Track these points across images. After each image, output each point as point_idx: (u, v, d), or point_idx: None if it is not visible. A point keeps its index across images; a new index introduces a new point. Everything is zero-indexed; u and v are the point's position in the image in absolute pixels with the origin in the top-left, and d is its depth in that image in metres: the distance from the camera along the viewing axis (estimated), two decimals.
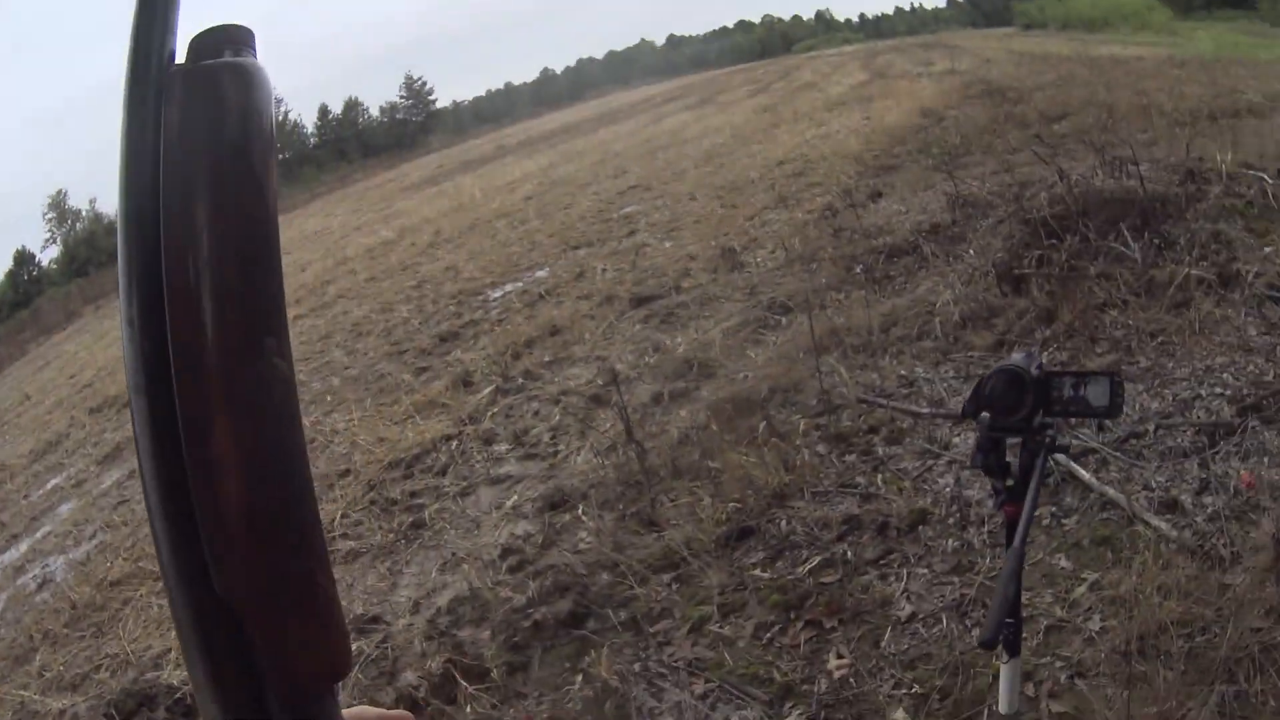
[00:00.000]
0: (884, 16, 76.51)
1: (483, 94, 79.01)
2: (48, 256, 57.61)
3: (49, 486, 7.87)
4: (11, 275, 54.99)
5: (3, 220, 78.02)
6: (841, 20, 77.80)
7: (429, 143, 61.33)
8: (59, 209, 59.68)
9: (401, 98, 68.25)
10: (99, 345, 17.08)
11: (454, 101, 72.98)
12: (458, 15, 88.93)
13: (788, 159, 10.99)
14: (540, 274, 8.61)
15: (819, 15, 79.84)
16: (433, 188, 23.99)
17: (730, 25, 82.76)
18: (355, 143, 63.79)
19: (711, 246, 7.32)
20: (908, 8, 77.45)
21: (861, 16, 77.92)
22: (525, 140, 32.90)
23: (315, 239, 19.60)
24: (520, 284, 8.44)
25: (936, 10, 72.89)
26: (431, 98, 69.19)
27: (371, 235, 16.28)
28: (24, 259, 56.33)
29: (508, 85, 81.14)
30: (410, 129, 65.67)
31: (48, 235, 58.81)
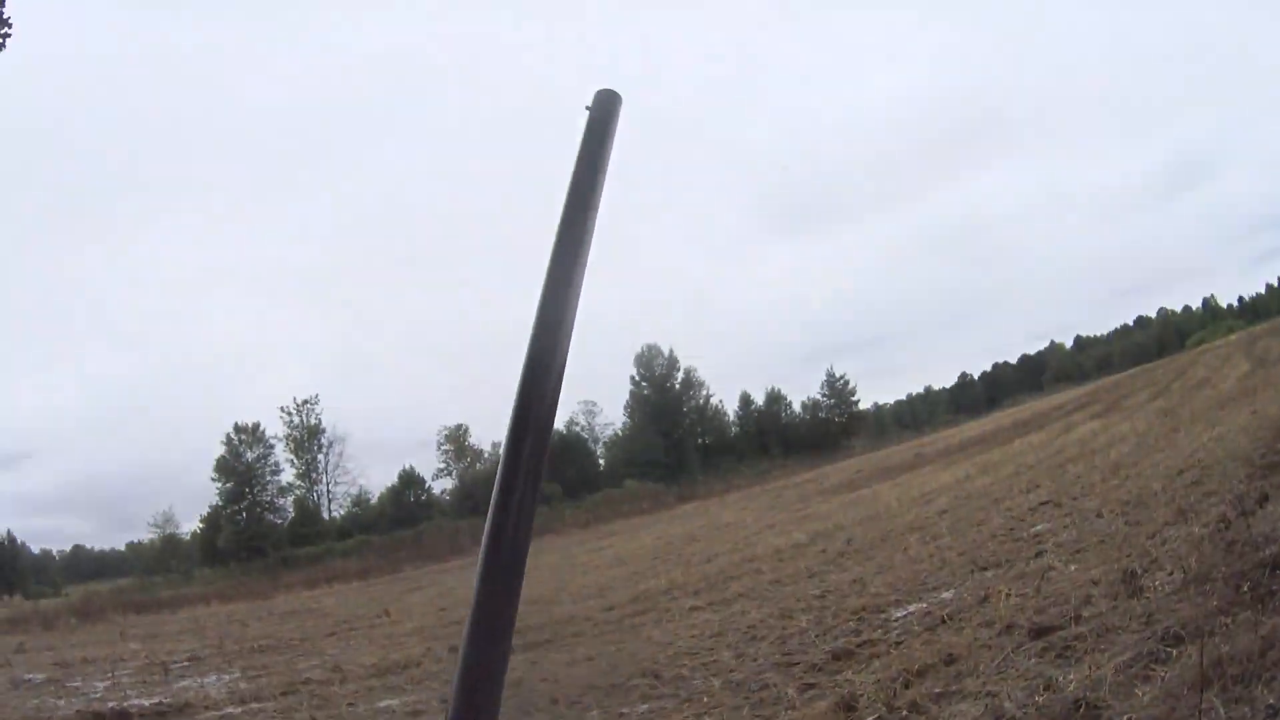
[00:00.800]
0: (1258, 296, 73.18)
1: (903, 397, 79.48)
2: (439, 486, 59.68)
3: (380, 705, 8.22)
4: (395, 493, 57.30)
5: (395, 437, 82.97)
6: (1224, 306, 75.12)
7: (850, 445, 62.09)
8: (457, 443, 60.88)
9: (823, 395, 68.27)
10: None
11: (875, 404, 73.54)
12: (881, 320, 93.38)
13: (1187, 467, 10.80)
14: (945, 595, 8.38)
15: (1205, 303, 76.64)
16: (850, 493, 24.63)
17: (1130, 323, 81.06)
18: (776, 436, 64.73)
19: (1114, 569, 7.04)
20: (1277, 282, 72.79)
21: (1240, 300, 74.82)
22: (943, 449, 33.17)
23: (726, 531, 20.87)
24: (924, 604, 8.25)
25: None
26: (854, 398, 69.01)
27: (783, 536, 16.92)
28: (412, 480, 58.34)
29: (927, 389, 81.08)
30: (832, 428, 66.07)
31: (442, 465, 60.53)
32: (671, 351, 62.52)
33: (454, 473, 60.66)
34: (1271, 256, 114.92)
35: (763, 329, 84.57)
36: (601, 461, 63.55)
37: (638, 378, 62.94)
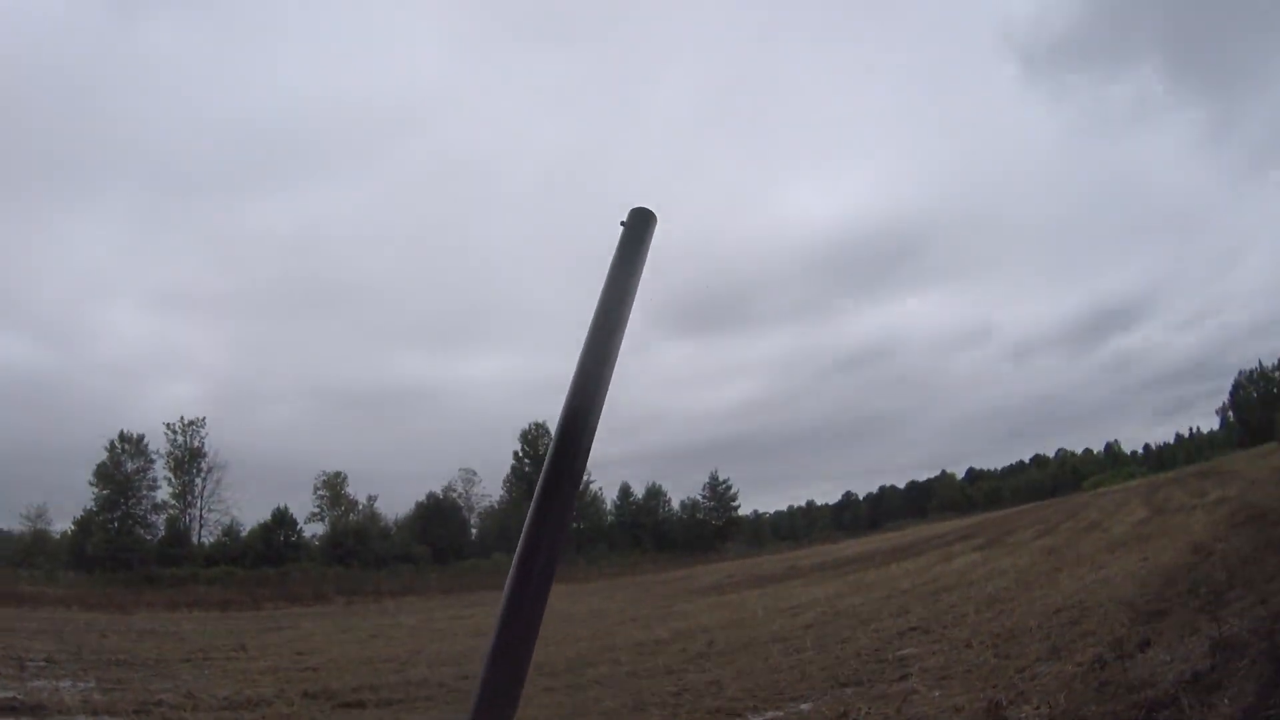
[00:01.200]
0: (1166, 446, 78.37)
1: (784, 509, 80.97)
2: (311, 530, 58.66)
3: None
4: (266, 529, 55.92)
5: (274, 474, 77.70)
6: (1129, 453, 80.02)
7: (725, 549, 62.83)
8: (334, 490, 60.12)
9: (704, 497, 69.11)
10: (339, 639, 18.13)
11: (755, 511, 74.54)
12: (772, 429, 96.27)
13: (1066, 606, 10.82)
14: (803, 706, 8.17)
15: (1108, 448, 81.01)
16: (718, 596, 24.46)
17: (1026, 460, 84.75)
18: (652, 531, 64.95)
19: (979, 699, 6.96)
20: (1187, 433, 79.03)
21: (1146, 448, 79.79)
22: (818, 564, 33.46)
23: (589, 619, 20.16)
24: (781, 713, 8.08)
25: (1212, 433, 75.22)
26: (734, 503, 69.98)
27: (646, 630, 16.52)
28: (284, 519, 57.02)
29: (809, 504, 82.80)
30: (708, 531, 66.64)
31: (316, 509, 59.69)
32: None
33: (326, 519, 59.88)
34: (1180, 408, 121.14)
35: (652, 423, 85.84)
36: (474, 530, 63.10)
37: (521, 454, 62.94)
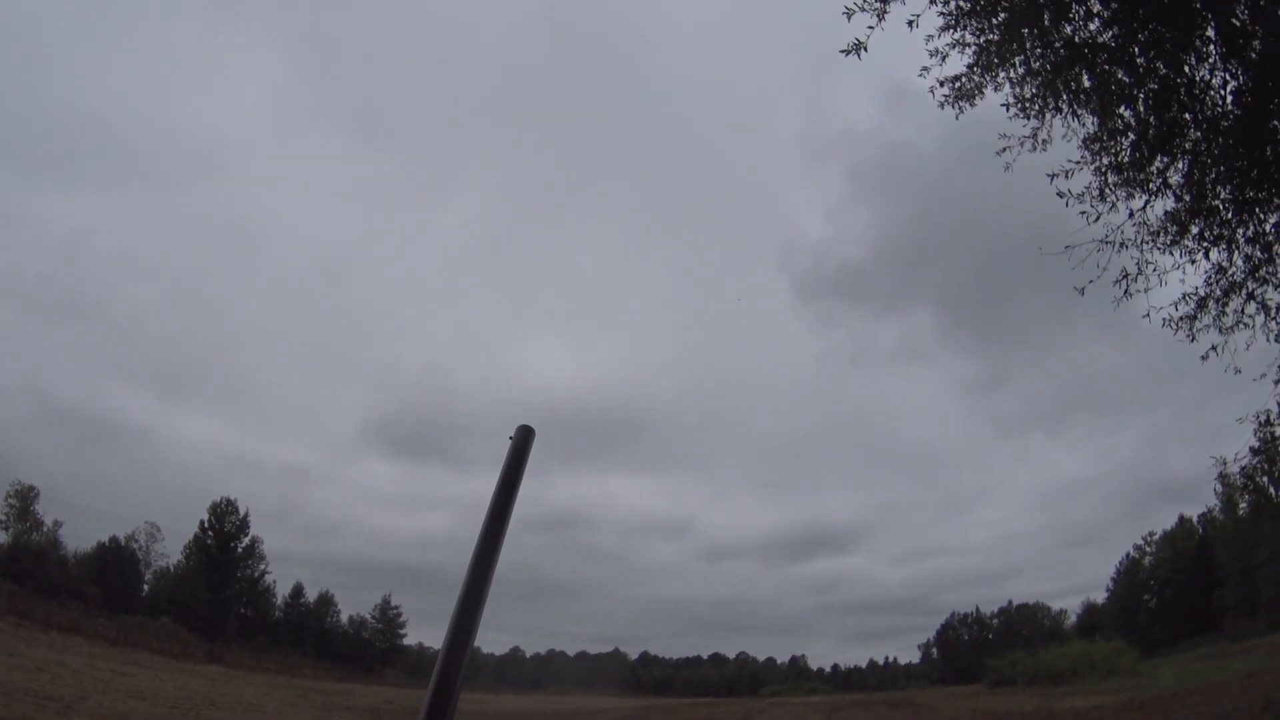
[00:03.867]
0: (856, 669, 79.33)
1: None
2: None
3: None
4: None
5: None
6: (814, 669, 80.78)
7: (385, 674, 63.30)
8: (23, 503, 56.38)
9: (373, 617, 68.78)
10: (6, 662, 16.37)
11: (421, 643, 74.05)
12: (451, 568, 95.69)
13: None
14: None
15: (793, 661, 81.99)
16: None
17: (704, 656, 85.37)
18: (316, 637, 64.31)
19: None
20: (881, 661, 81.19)
21: (835, 667, 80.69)
22: (468, 714, 33.91)
23: (233, 711, 19.43)
24: None
25: (910, 666, 77.10)
26: (402, 630, 69.84)
27: None
28: None
29: (475, 649, 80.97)
30: (372, 651, 66.66)
31: (2, 517, 55.22)
32: (246, 514, 62.55)
33: (10, 530, 55.83)
34: (879, 637, 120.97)
35: (340, 531, 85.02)
36: (147, 587, 61.07)
37: (206, 524, 61.86)
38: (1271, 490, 9.84)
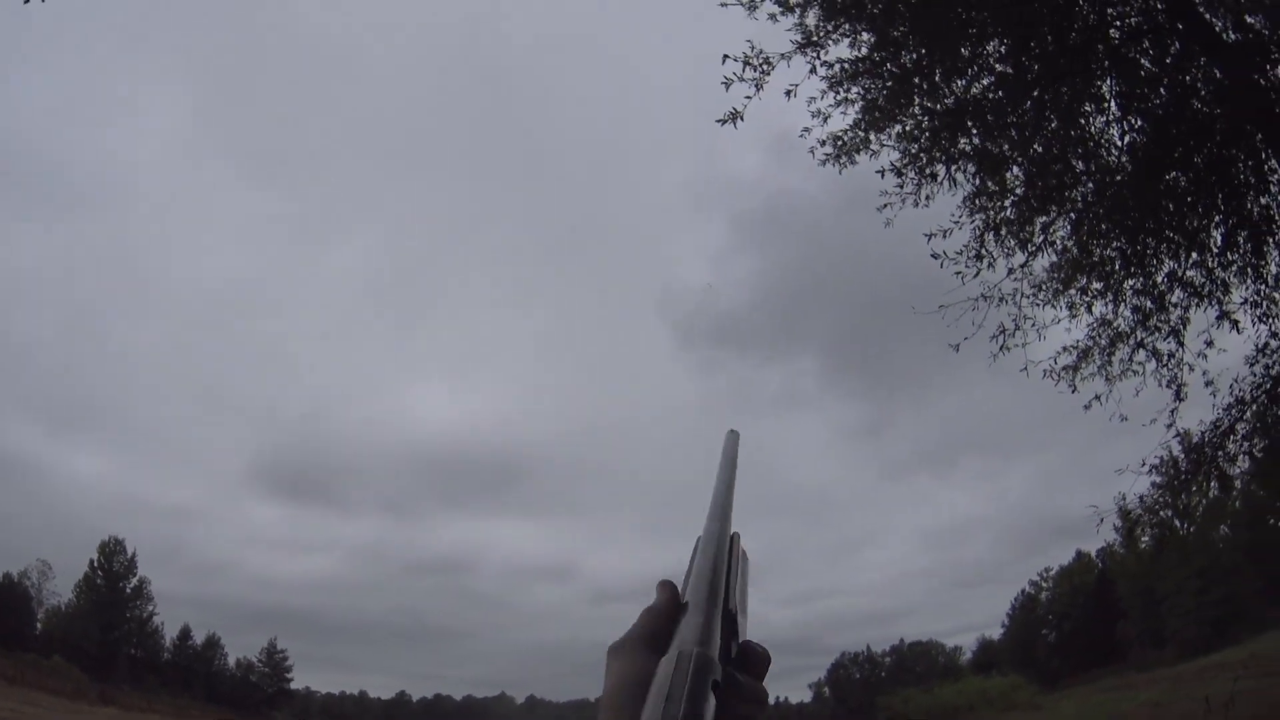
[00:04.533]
0: None
1: (335, 692, 77.37)
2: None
3: None
4: None
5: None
6: None
7: (274, 717, 62.44)
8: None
9: (260, 661, 67.55)
10: None
11: (308, 688, 72.04)
12: (339, 612, 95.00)
13: None
14: None
15: None
16: None
17: (592, 699, 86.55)
18: (204, 680, 63.05)
19: None
20: (773, 700, 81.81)
21: None
22: None
23: None
24: None
25: (802, 705, 76.46)
26: (289, 674, 68.40)
27: None
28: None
29: (362, 693, 79.86)
30: (259, 695, 65.44)
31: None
32: (134, 554, 60.54)
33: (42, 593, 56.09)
34: (769, 678, 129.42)
35: (226, 573, 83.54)
36: (39, 625, 58.78)
37: (95, 564, 60.07)
38: (1176, 523, 10.20)
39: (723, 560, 0.74)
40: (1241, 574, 39.59)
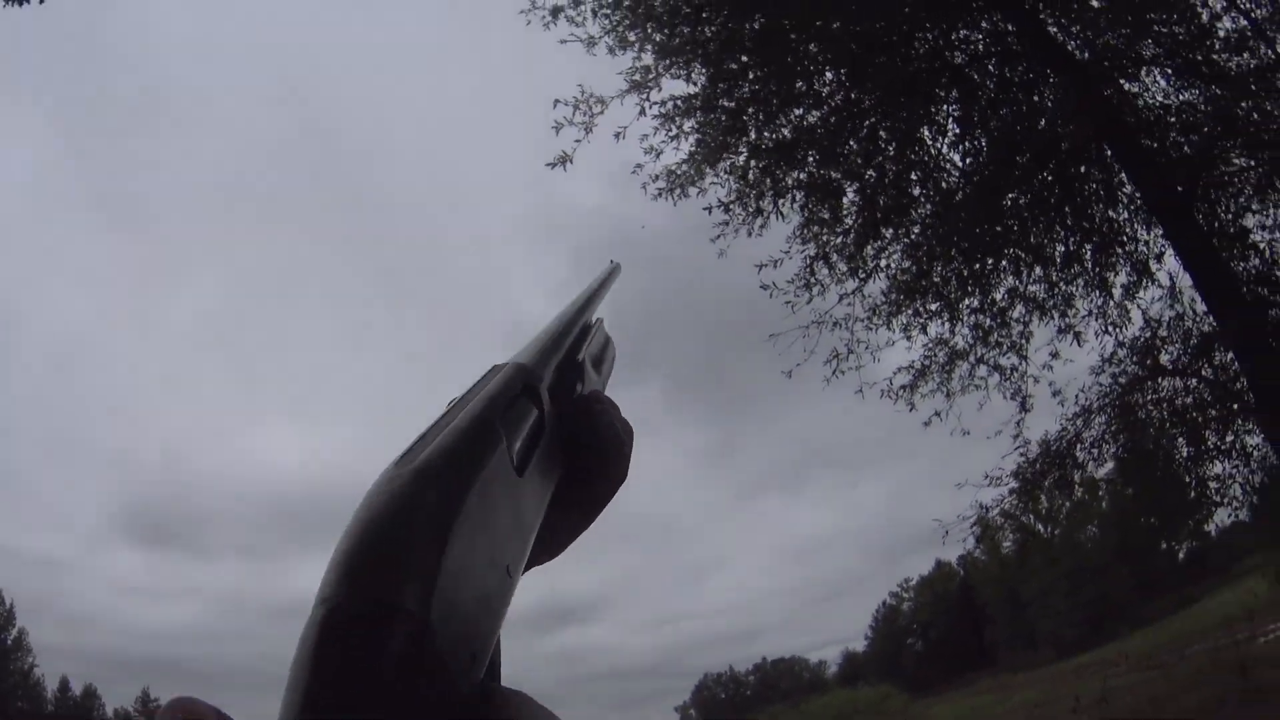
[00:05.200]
0: None
1: None
2: None
3: None
4: None
5: None
6: None
7: None
8: None
9: (136, 711, 63.02)
10: None
11: None
12: (205, 658, 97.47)
13: None
14: None
15: None
16: None
17: None
18: None
19: None
20: None
21: None
22: None
23: None
24: None
25: None
26: None
27: None
28: None
29: None
30: None
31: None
32: (12, 605, 58.83)
33: None
34: (632, 704, 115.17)
35: (98, 623, 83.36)
36: None
37: None
38: (1038, 526, 10.47)
39: (576, 319, 0.62)
40: (1111, 573, 40.34)
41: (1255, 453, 9.53)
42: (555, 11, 8.69)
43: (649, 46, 8.23)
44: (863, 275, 8.43)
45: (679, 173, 8.29)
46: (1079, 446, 9.00)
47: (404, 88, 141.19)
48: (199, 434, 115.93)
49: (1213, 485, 9.67)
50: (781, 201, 8.29)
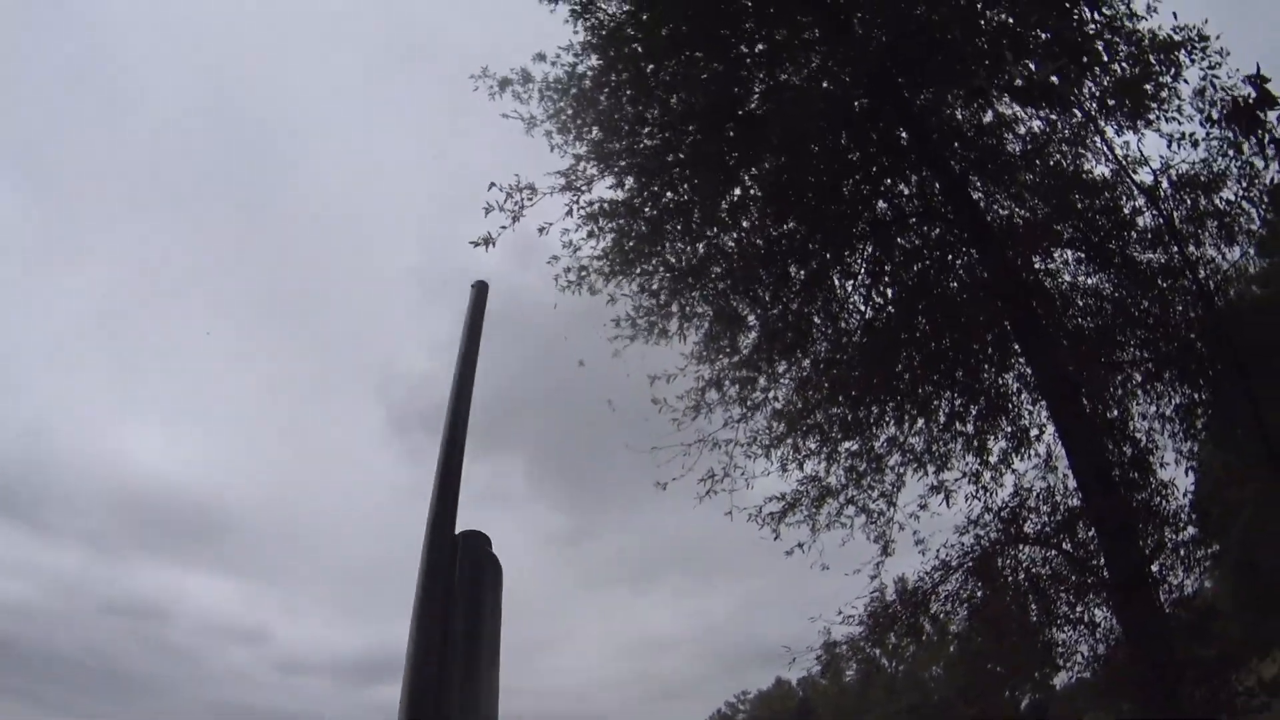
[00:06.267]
0: None
1: None
2: None
3: None
4: None
5: None
6: None
7: None
8: None
9: None
10: None
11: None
12: (29, 643, 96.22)
13: None
14: None
15: None
16: None
17: None
18: None
19: None
20: None
21: None
22: None
23: None
24: None
25: None
26: None
27: None
28: None
29: None
30: None
31: None
32: None
33: None
34: None
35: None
36: None
37: None
38: (884, 661, 10.69)
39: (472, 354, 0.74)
40: (952, 713, 41.01)
41: (1102, 624, 9.90)
42: (504, 84, 8.80)
43: (584, 144, 8.34)
44: (750, 405, 8.58)
45: (592, 268, 8.39)
46: (934, 599, 9.24)
47: (336, 118, 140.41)
48: (66, 414, 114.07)
49: (1058, 650, 9.99)
50: (686, 325, 8.42)
